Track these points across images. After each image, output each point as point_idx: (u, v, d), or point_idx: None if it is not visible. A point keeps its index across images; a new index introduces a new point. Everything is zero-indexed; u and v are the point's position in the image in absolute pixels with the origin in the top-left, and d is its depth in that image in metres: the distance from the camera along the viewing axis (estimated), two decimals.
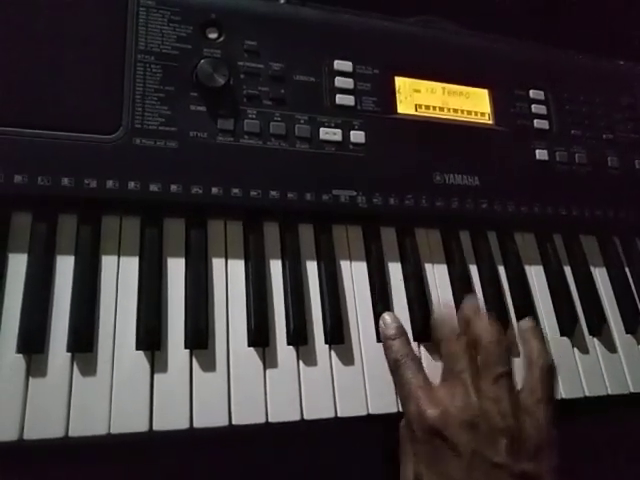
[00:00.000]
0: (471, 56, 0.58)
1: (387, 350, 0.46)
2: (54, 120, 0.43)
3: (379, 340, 0.47)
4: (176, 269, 0.45)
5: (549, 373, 0.44)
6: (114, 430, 0.39)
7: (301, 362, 0.45)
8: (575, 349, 0.53)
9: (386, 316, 0.47)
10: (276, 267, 0.48)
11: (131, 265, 0.44)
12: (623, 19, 0.74)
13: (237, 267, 0.47)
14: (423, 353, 0.48)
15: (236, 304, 0.45)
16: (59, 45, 0.45)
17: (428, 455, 0.39)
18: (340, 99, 0.51)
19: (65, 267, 0.42)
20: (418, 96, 0.55)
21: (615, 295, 0.57)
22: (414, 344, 0.48)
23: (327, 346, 0.46)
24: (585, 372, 0.52)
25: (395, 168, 0.52)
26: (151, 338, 0.42)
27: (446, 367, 0.44)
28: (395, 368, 0.45)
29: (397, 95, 0.54)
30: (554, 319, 0.54)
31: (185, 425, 0.40)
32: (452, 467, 0.37)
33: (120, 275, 0.44)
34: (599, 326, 0.54)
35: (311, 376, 0.44)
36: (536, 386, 0.43)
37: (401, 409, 0.45)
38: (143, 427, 0.39)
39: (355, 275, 0.50)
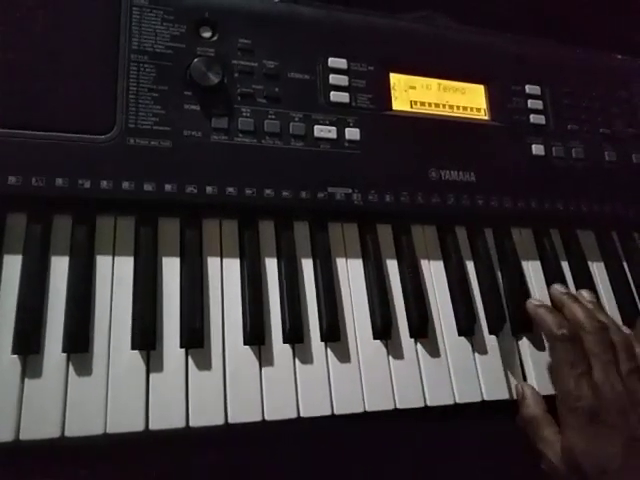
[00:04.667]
0: (467, 52, 0.58)
1: (539, 322, 0.50)
2: (48, 120, 0.43)
3: (375, 337, 0.47)
4: (171, 268, 0.45)
5: None
6: (110, 430, 0.39)
7: (297, 360, 0.45)
8: None
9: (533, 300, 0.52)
10: (272, 265, 0.48)
11: (126, 265, 0.44)
12: (620, 14, 0.73)
13: (232, 266, 0.47)
14: (420, 350, 0.48)
15: (232, 303, 0.45)
16: (52, 46, 0.45)
17: (587, 431, 0.44)
18: (335, 96, 0.51)
19: (60, 267, 0.43)
20: (413, 92, 0.55)
21: (613, 290, 0.57)
22: (411, 341, 0.48)
23: (323, 344, 0.46)
24: None
25: (391, 165, 0.51)
26: (146, 337, 0.42)
27: (592, 352, 0.47)
28: (552, 345, 0.49)
29: (392, 92, 0.54)
30: None
31: (181, 424, 0.40)
32: (609, 444, 0.44)
33: (115, 275, 0.44)
34: None
35: (307, 374, 0.44)
36: None
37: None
38: (139, 426, 0.39)
39: (351, 273, 0.50)
